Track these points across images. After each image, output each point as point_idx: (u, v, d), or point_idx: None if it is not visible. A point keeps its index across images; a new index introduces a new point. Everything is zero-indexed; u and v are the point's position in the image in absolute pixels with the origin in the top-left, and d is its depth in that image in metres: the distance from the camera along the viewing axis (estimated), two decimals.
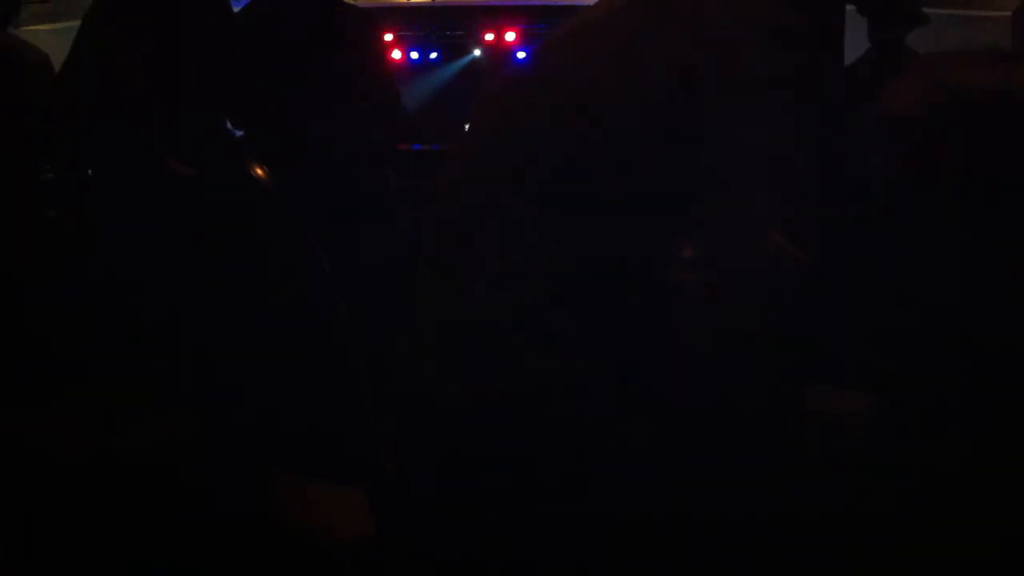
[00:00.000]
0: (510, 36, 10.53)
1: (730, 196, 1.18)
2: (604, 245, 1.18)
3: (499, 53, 10.60)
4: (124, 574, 1.99)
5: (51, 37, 4.78)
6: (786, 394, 1.19)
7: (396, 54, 10.02)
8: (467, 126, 1.39)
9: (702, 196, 1.18)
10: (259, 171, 1.38)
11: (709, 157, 1.17)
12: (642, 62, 1.19)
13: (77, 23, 2.97)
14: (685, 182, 1.18)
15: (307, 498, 1.55)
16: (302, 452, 1.47)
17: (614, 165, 1.18)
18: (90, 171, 3.08)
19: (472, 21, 10.60)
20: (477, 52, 11.04)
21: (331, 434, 1.44)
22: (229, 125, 3.06)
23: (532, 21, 10.24)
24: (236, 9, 3.09)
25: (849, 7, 2.69)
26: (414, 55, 10.85)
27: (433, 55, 11.04)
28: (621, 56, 1.21)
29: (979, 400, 1.05)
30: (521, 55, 10.57)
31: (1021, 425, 1.03)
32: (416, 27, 10.60)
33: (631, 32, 1.22)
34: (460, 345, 1.20)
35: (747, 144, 1.17)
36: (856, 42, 2.77)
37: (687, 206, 1.19)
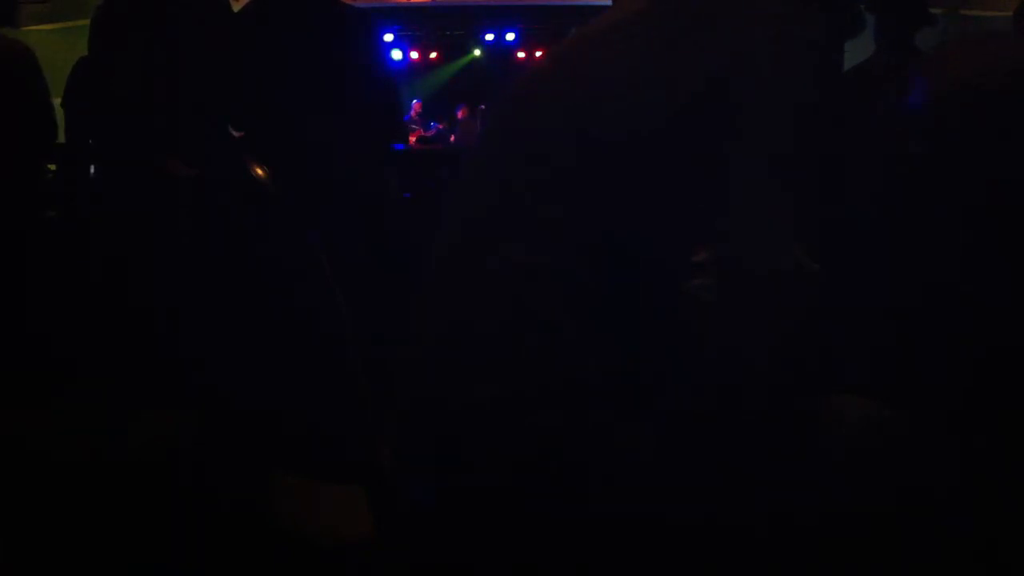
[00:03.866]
0: (510, 36, 10.54)
1: (752, 204, 1.17)
2: (617, 248, 1.18)
3: (499, 53, 10.61)
4: (124, 574, 1.99)
5: (51, 37, 4.78)
6: (795, 402, 1.19)
7: (396, 54, 10.03)
8: (485, 125, 1.39)
9: (722, 203, 1.18)
10: (259, 171, 1.38)
11: (732, 164, 1.17)
12: (670, 66, 1.19)
13: (77, 23, 2.98)
14: (705, 188, 1.18)
15: (307, 498, 1.55)
16: (302, 452, 1.47)
17: (633, 168, 1.17)
18: (90, 170, 3.09)
19: (472, 21, 10.61)
20: (477, 52, 11.04)
21: (331, 434, 1.44)
22: (229, 125, 3.06)
23: (532, 21, 10.26)
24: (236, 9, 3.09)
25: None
26: (414, 55, 10.85)
27: (433, 55, 11.05)
28: (649, 59, 1.20)
29: (979, 401, 1.05)
30: (521, 55, 10.57)
31: (1021, 425, 1.03)
32: (416, 27, 10.61)
33: (659, 36, 1.22)
34: (460, 345, 1.20)
35: (771, 152, 1.17)
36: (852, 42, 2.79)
37: (706, 212, 1.18)
